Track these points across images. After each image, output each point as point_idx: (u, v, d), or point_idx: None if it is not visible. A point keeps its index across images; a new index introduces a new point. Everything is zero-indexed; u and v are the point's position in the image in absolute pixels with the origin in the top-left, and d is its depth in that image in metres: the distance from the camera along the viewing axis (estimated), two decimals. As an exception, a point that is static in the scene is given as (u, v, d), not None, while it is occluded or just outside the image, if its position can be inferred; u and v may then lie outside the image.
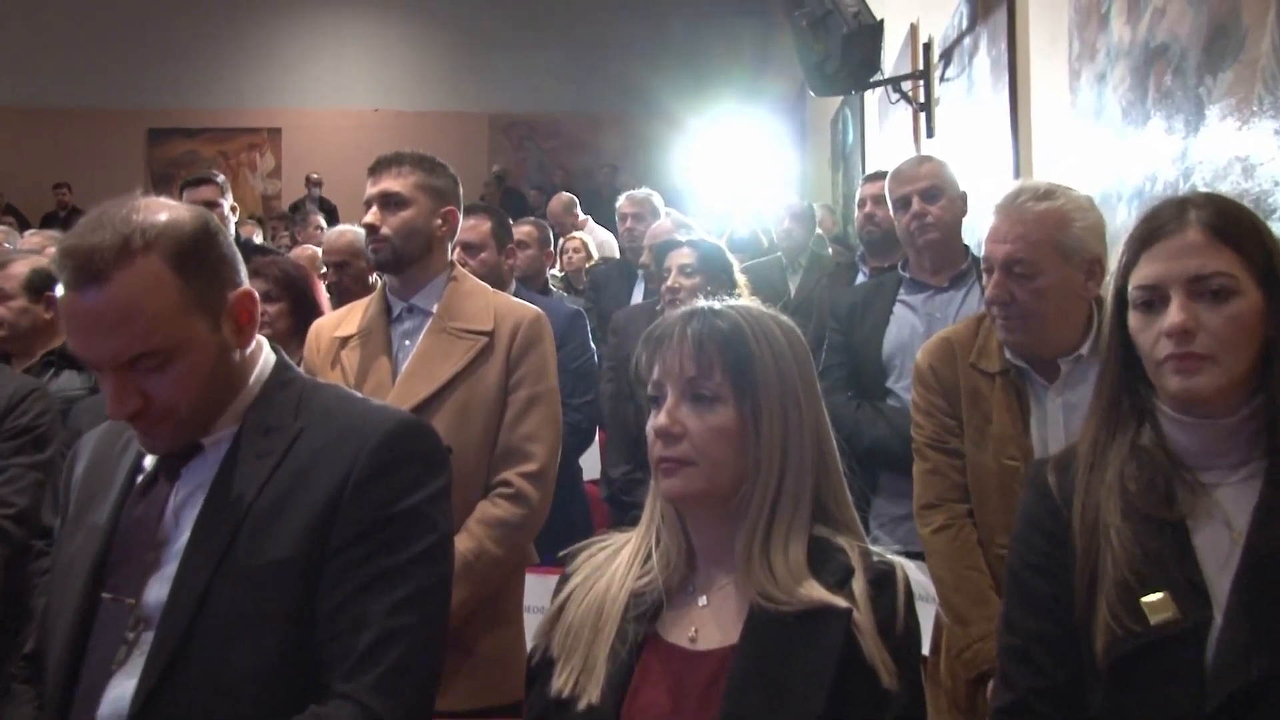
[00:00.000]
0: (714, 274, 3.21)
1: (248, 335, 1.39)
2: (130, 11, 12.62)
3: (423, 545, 1.33)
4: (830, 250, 5.44)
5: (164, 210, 1.31)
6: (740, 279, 3.28)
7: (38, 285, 3.18)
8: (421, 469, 1.36)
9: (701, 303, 1.36)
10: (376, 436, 1.34)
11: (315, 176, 11.41)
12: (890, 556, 1.30)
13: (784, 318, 1.38)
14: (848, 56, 4.37)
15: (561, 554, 1.44)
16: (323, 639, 1.27)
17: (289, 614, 1.27)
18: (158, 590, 1.29)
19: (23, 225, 8.09)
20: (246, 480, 1.32)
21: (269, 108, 12.89)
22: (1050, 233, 2.00)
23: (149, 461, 1.39)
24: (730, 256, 3.35)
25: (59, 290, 1.27)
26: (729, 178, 8.66)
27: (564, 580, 1.40)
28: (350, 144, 11.88)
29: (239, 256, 1.39)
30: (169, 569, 1.30)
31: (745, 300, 1.43)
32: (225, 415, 1.37)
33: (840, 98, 7.45)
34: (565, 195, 7.41)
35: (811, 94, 5.73)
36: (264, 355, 1.43)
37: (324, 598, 1.28)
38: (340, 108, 12.84)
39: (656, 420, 1.30)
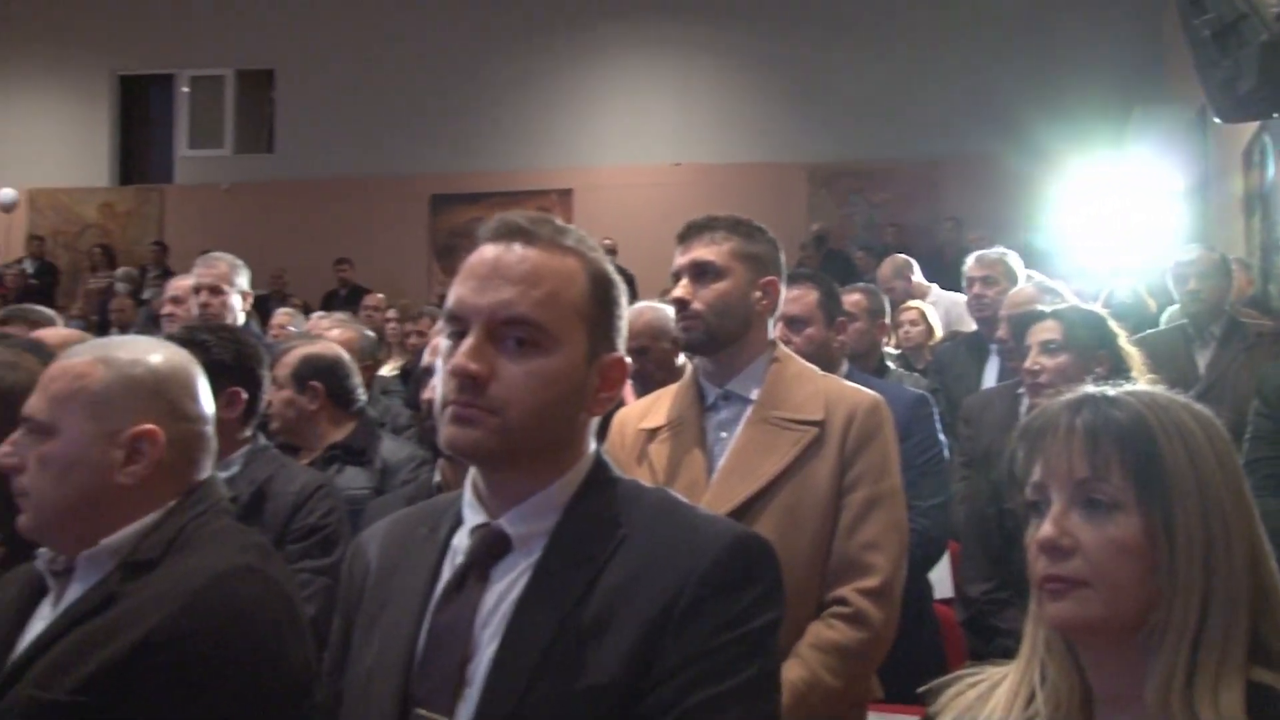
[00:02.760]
0: (1087, 350, 3.11)
1: (602, 403, 1.48)
2: (410, 74, 13.95)
3: (750, 677, 1.35)
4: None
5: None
6: (1132, 353, 3.14)
7: (304, 375, 3.53)
8: (759, 595, 1.39)
9: (1091, 388, 1.34)
10: (712, 554, 1.38)
11: (610, 242, 11.92)
12: (1360, 714, 1.20)
13: (1198, 406, 1.33)
14: (1268, 70, 4.12)
15: (921, 690, 1.42)
16: None
17: None
18: (466, 711, 1.37)
19: (306, 309, 8.99)
20: (562, 590, 1.39)
21: (559, 168, 13.72)
22: None
23: (448, 567, 1.48)
24: (1114, 326, 3.23)
25: (476, 251, 1.45)
26: (1106, 229, 8.33)
27: (927, 723, 1.38)
28: (648, 204, 12.45)
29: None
30: (478, 687, 1.38)
31: (1144, 383, 1.38)
32: (544, 498, 1.44)
33: (1256, 124, 7.02)
34: (899, 257, 7.34)
35: (1216, 121, 5.43)
36: (590, 448, 1.52)
37: None
38: (637, 164, 13.45)
39: (1041, 531, 1.27)
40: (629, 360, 1.51)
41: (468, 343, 1.39)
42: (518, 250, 1.43)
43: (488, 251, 1.44)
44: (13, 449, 1.76)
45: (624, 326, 1.52)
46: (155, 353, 1.84)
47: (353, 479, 3.48)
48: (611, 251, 11.86)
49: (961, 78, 12.16)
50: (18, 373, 2.07)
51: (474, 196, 13.61)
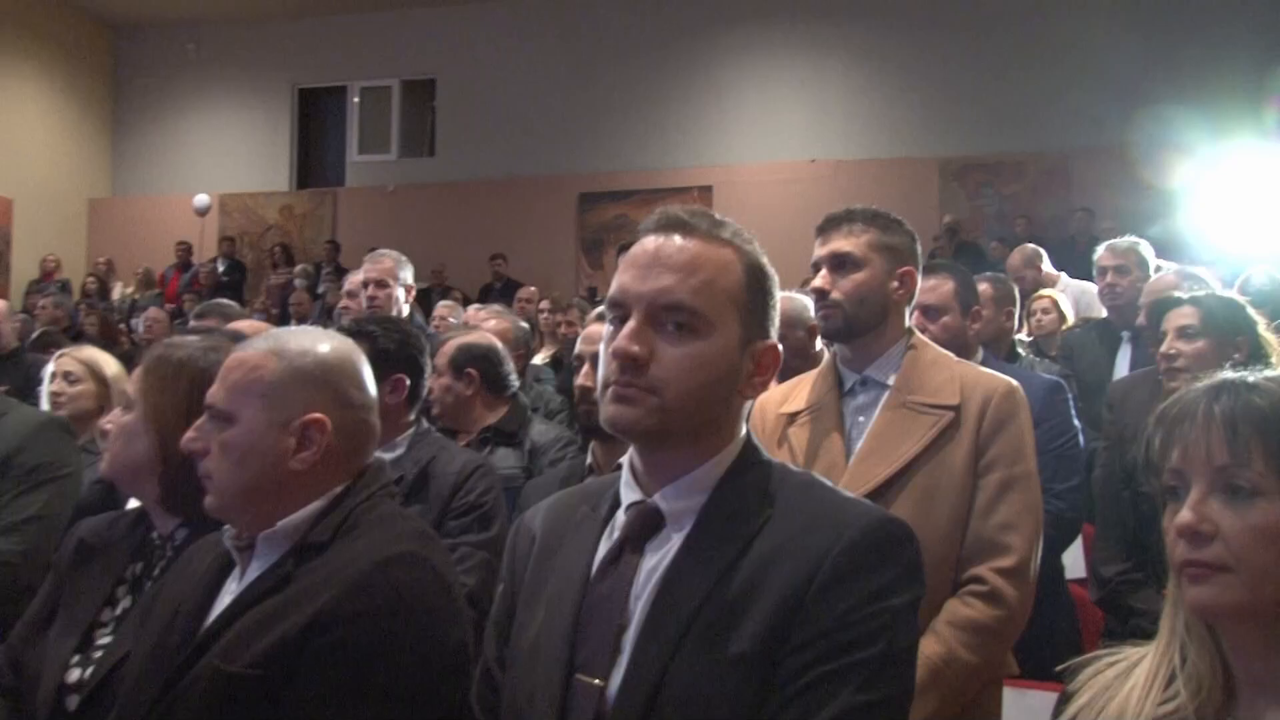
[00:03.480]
0: (1225, 336, 3.00)
1: (755, 387, 1.49)
2: (560, 81, 14.15)
3: (886, 652, 1.32)
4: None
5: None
6: (1271, 340, 3.01)
7: (460, 363, 3.59)
8: (896, 575, 1.36)
9: (1230, 374, 1.28)
10: (852, 533, 1.36)
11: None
12: None
13: None
14: None
15: (1059, 668, 1.38)
16: None
17: (743, 716, 1.31)
18: (618, 676, 1.38)
19: (465, 301, 9.16)
20: (708, 565, 1.39)
21: (699, 166, 13.71)
22: None
23: (606, 543, 1.50)
24: (1253, 313, 3.09)
25: (639, 242, 1.47)
26: (1241, 217, 7.96)
27: (1065, 700, 1.33)
28: (783, 199, 12.36)
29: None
30: (629, 654, 1.39)
31: (1284, 367, 1.31)
32: (696, 477, 1.45)
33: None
34: (1029, 246, 7.18)
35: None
36: (741, 431, 1.51)
37: (771, 697, 1.31)
38: (773, 161, 13.37)
39: (1180, 517, 1.22)
40: (781, 348, 1.50)
41: (629, 326, 1.41)
42: (677, 241, 1.44)
43: (649, 242, 1.46)
44: (197, 434, 1.82)
45: (777, 315, 1.52)
46: (323, 344, 1.85)
47: (504, 459, 3.53)
48: (748, 245, 11.80)
49: (1093, 70, 11.75)
50: (220, 355, 2.14)
51: (619, 194, 13.71)
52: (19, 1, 14.63)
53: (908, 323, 2.50)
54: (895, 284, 2.43)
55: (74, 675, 1.98)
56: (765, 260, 1.51)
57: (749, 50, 13.71)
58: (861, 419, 2.40)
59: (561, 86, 14.12)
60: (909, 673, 1.38)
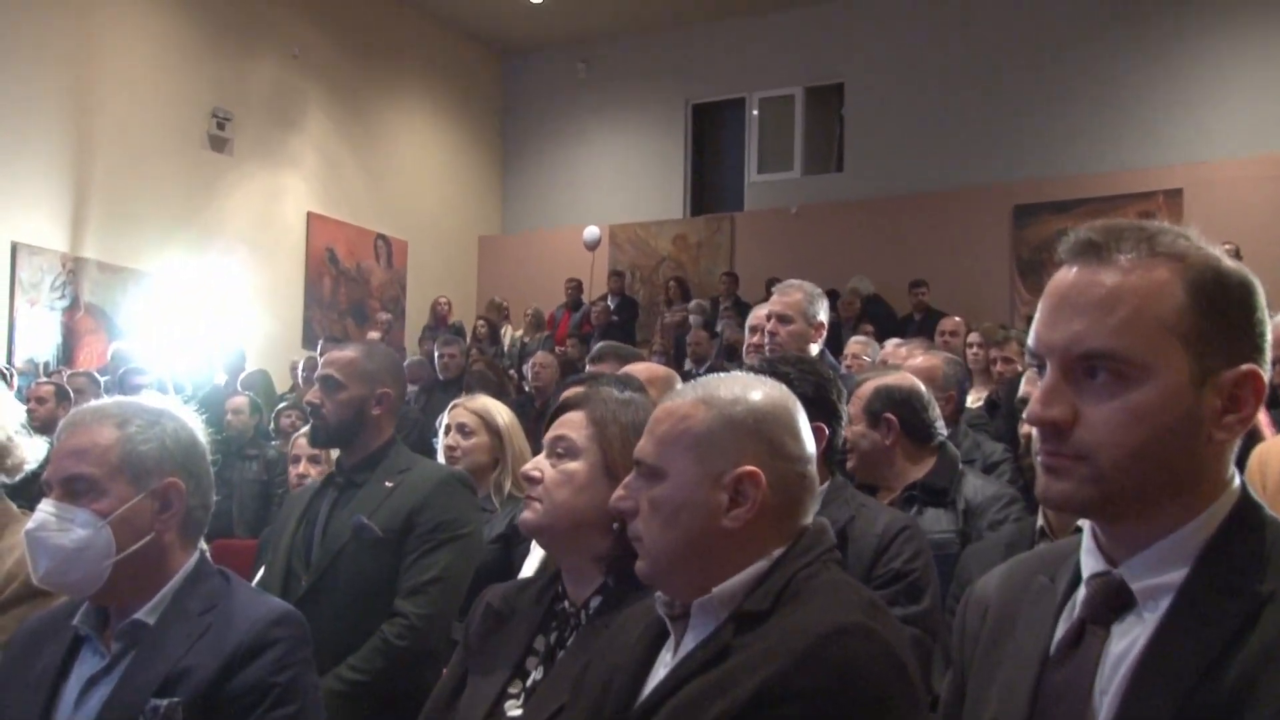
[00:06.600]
0: None
1: (1229, 427, 1.35)
2: (988, 75, 13.98)
3: None
4: None
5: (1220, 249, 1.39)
6: None
7: (877, 407, 3.57)
8: None
9: None
10: None
11: (1229, 246, 11.09)
12: None
13: None
14: None
15: None
16: None
17: None
18: None
19: (882, 333, 9.10)
20: (1192, 656, 1.28)
21: (1163, 166, 13.05)
22: None
23: (1063, 626, 1.42)
24: None
25: (1056, 275, 1.40)
26: None
27: None
28: (1275, 200, 11.47)
29: (1270, 344, 1.39)
30: None
31: None
32: (1171, 544, 1.35)
33: None
34: None
35: None
36: (1232, 482, 1.39)
37: None
38: (1264, 153, 12.54)
39: None
40: (1264, 372, 1.36)
41: (1044, 385, 1.36)
42: (1090, 271, 1.36)
43: (1060, 276, 1.39)
44: (627, 493, 1.89)
45: (1261, 330, 1.37)
46: (755, 391, 1.89)
47: (934, 521, 3.47)
48: (1235, 255, 11.05)
49: None
50: (632, 410, 2.24)
51: (1062, 205, 13.20)
52: (416, 36, 16.33)
53: None
54: None
55: None
56: (1228, 266, 1.36)
57: (1226, 23, 12.92)
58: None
59: (990, 82, 13.87)
60: None
